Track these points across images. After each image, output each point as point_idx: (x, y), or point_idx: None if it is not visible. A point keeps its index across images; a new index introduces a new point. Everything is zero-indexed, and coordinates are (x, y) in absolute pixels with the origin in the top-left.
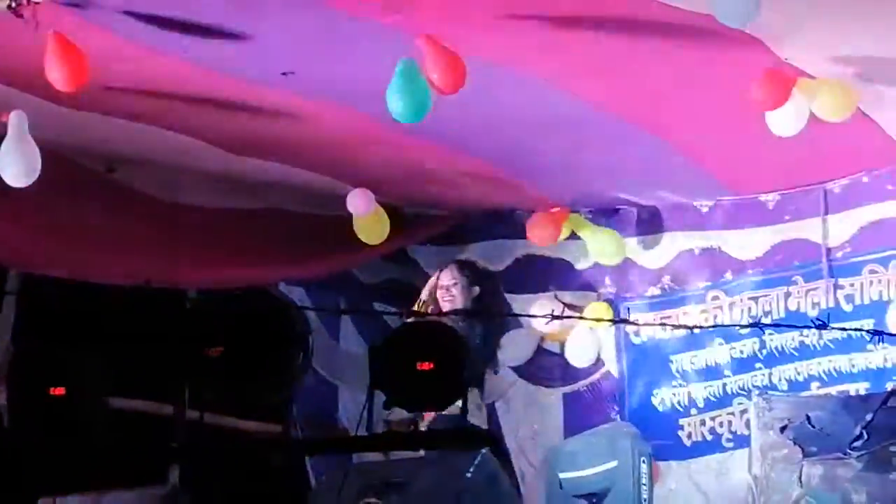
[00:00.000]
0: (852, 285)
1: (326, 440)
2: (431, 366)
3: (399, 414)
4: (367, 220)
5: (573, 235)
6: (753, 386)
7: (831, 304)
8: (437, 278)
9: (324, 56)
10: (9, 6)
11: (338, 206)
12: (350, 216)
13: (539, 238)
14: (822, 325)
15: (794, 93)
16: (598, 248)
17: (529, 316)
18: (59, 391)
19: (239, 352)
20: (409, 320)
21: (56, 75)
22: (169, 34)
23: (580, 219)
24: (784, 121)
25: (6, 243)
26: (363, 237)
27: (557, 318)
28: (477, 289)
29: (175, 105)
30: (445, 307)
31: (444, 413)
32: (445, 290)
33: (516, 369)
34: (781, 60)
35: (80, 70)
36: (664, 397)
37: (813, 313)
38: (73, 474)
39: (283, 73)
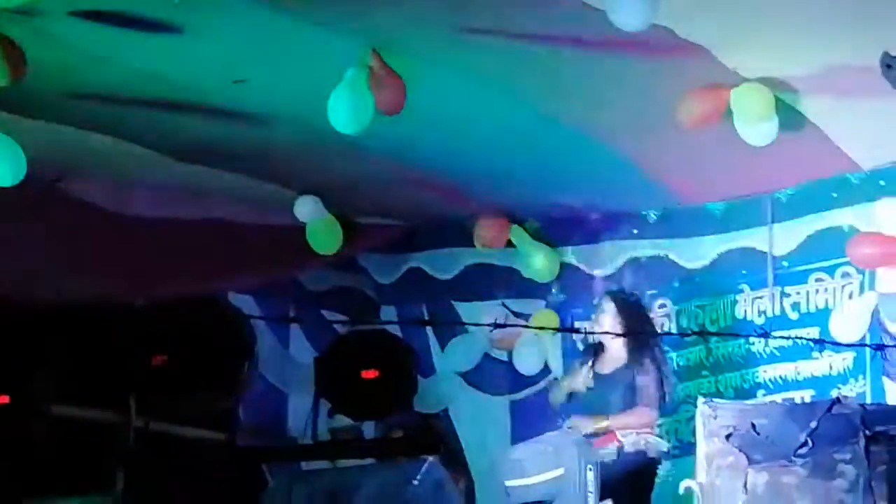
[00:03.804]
0: (798, 293)
1: (274, 448)
2: (376, 374)
3: (343, 421)
4: (321, 230)
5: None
6: (700, 393)
7: (777, 312)
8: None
9: (275, 63)
10: None
11: (286, 215)
12: (299, 224)
13: (486, 240)
14: (764, 335)
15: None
16: (529, 264)
17: (475, 325)
18: (3, 399)
19: (184, 360)
20: (355, 328)
21: None
22: (116, 37)
23: (520, 231)
24: (755, 131)
25: None
26: (317, 248)
27: (501, 326)
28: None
29: (124, 111)
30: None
31: None
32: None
33: (463, 376)
34: (728, 70)
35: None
36: None
37: (759, 321)
38: (17, 482)
39: (235, 81)
